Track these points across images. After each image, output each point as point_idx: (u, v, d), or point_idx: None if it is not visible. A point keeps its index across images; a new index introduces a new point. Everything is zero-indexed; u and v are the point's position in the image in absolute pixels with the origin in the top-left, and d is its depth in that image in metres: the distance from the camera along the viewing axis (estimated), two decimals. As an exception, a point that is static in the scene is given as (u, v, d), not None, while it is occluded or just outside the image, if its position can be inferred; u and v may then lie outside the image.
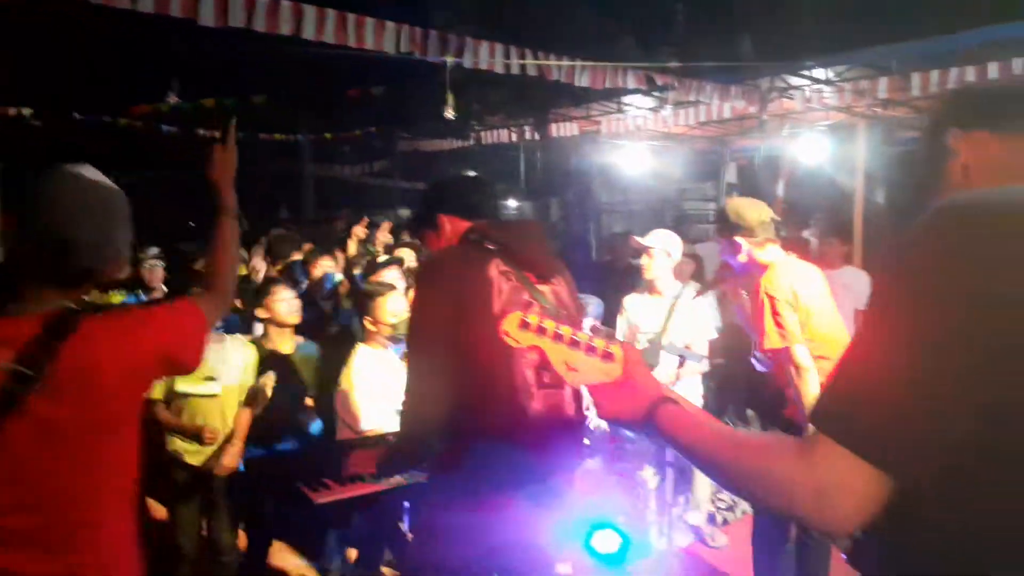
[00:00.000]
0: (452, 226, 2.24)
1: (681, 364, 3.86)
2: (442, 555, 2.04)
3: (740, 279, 3.37)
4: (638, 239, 4.25)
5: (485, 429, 2.00)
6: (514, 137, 11.09)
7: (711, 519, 4.61)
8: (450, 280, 2.07)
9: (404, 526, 3.54)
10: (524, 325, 1.41)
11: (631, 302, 4.40)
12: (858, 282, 5.80)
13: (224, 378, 3.51)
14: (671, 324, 4.18)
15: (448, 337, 2.01)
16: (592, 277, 7.93)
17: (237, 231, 1.93)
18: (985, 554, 0.94)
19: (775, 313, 3.00)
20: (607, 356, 1.37)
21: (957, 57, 6.44)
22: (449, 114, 5.48)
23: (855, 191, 7.76)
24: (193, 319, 1.76)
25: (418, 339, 2.11)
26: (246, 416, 3.46)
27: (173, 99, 9.07)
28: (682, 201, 13.93)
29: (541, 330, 1.40)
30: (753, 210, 3.17)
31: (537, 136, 10.61)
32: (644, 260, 4.24)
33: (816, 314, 3.07)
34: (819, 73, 7.43)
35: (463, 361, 2.01)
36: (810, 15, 8.78)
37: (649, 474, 4.27)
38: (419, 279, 2.27)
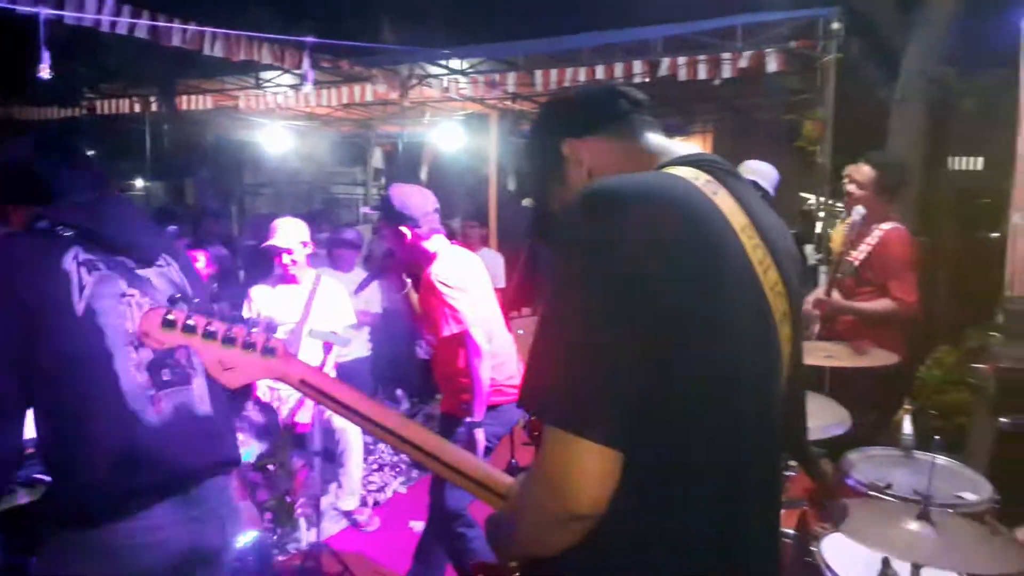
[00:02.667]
0: (16, 215, 1.83)
1: (328, 350, 3.74)
2: None
3: (404, 266, 3.35)
4: (275, 244, 4.06)
5: (96, 448, 1.68)
6: (138, 108, 9.95)
7: (362, 502, 4.59)
8: (11, 281, 1.69)
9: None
10: (168, 324, 1.27)
11: (261, 294, 4.19)
12: (494, 263, 6.21)
13: None
14: (312, 311, 4.09)
15: (17, 348, 1.64)
16: (239, 261, 7.48)
17: None
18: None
19: (450, 299, 3.05)
20: (268, 351, 1.29)
21: (572, 58, 7.16)
22: (44, 73, 4.68)
23: (489, 178, 8.30)
24: None
25: None
26: None
27: None
28: (331, 185, 13.77)
29: (188, 327, 1.27)
30: (418, 199, 3.17)
31: (165, 108, 9.63)
32: (286, 259, 4.07)
33: (481, 302, 3.19)
34: (455, 64, 7.77)
35: (47, 373, 1.66)
36: (446, 5, 9.14)
37: (299, 466, 4.12)
38: None
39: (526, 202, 8.28)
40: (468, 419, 3.07)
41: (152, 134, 10.38)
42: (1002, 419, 2.80)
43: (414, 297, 3.39)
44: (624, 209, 1.00)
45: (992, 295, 4.70)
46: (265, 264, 4.43)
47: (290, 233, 4.08)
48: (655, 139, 1.25)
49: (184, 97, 9.55)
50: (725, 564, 1.06)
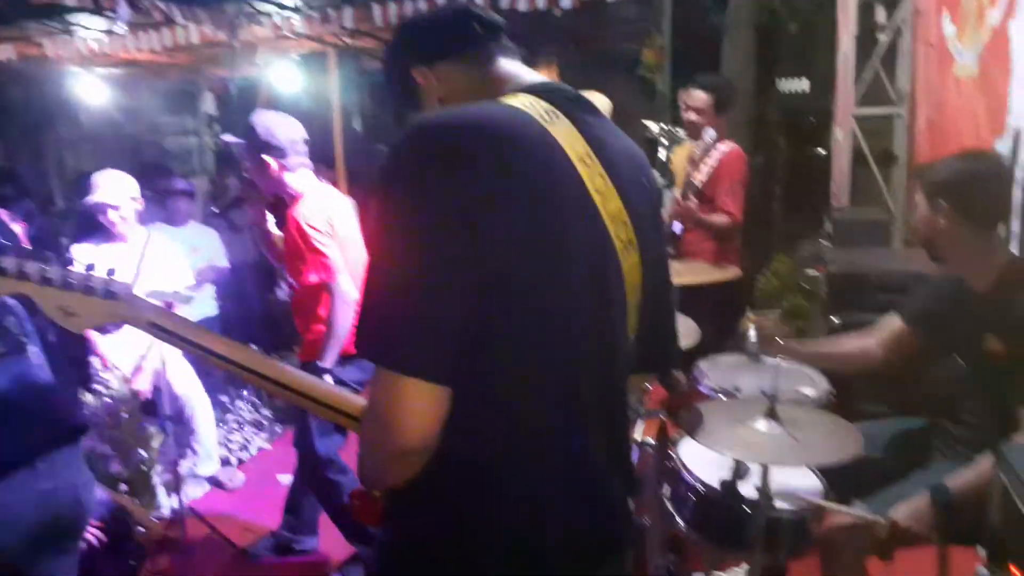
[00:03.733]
0: None
1: (170, 308, 3.50)
2: None
3: (266, 202, 3.13)
4: (99, 200, 3.67)
5: None
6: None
7: (225, 462, 4.41)
8: None
9: None
10: (0, 272, 1.20)
11: (84, 253, 3.77)
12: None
13: None
14: (144, 272, 3.77)
15: None
16: (57, 224, 6.86)
17: None
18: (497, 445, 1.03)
19: (318, 243, 2.85)
20: (110, 294, 1.24)
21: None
22: None
23: (332, 119, 7.97)
24: None
25: None
26: None
27: None
28: (160, 136, 12.81)
29: (22, 274, 1.20)
30: (285, 127, 2.91)
31: (-44, 59, 8.56)
32: (113, 216, 3.70)
33: (349, 245, 3.00)
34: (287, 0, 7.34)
35: None
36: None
37: (152, 432, 3.89)
38: None
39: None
40: (319, 364, 2.91)
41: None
42: (833, 318, 3.02)
43: (277, 236, 3.17)
44: (447, 141, 0.98)
45: (821, 207, 5.07)
46: (90, 224, 4.04)
47: (115, 187, 3.74)
48: (509, 66, 1.22)
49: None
50: (571, 492, 1.07)
